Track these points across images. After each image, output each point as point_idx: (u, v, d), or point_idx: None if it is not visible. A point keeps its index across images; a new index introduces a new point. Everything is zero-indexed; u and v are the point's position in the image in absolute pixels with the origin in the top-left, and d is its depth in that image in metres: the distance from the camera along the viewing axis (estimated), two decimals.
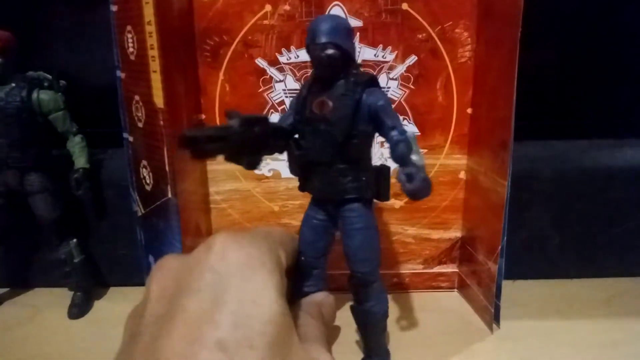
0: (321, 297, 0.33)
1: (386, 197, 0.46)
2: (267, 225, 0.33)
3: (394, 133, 0.42)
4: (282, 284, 0.23)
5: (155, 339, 0.20)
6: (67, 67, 0.69)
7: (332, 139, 0.42)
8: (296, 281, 0.42)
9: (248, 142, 0.35)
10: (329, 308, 0.32)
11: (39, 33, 0.75)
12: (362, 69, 0.45)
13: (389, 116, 0.42)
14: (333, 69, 0.42)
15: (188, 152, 0.29)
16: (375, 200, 0.47)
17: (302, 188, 0.47)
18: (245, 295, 0.21)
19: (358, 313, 0.49)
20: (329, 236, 0.47)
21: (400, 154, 0.41)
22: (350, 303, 0.49)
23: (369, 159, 0.46)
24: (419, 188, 0.40)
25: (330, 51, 0.41)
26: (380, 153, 0.63)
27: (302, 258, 0.45)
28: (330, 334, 0.31)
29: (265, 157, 0.62)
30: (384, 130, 0.43)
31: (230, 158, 0.34)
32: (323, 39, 0.41)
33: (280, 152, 0.45)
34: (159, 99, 0.52)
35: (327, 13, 0.58)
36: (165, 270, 0.24)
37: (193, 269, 0.22)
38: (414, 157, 0.40)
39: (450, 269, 0.69)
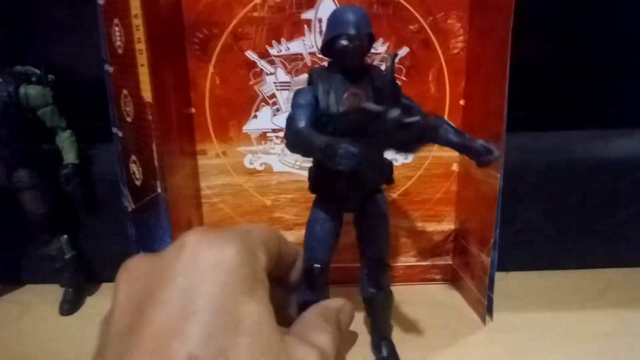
0: (340, 303, 0.30)
1: (392, 182, 0.49)
2: (255, 222, 0.31)
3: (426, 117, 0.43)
4: (261, 286, 0.22)
5: (121, 353, 0.19)
6: (56, 61, 0.68)
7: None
8: (303, 290, 0.42)
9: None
10: (347, 314, 0.30)
11: (26, 26, 0.74)
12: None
13: (413, 102, 0.46)
14: (363, 60, 0.44)
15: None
16: None
17: (320, 187, 0.47)
18: (219, 303, 0.19)
19: (378, 297, 0.51)
20: (338, 235, 0.48)
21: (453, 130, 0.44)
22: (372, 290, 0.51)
23: None
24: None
25: (367, 42, 0.42)
26: None
27: (317, 265, 0.44)
28: (348, 338, 0.30)
29: (258, 151, 0.63)
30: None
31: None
32: (362, 30, 0.41)
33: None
34: (147, 93, 0.51)
35: (317, 6, 0.58)
36: (133, 273, 0.22)
37: (162, 274, 0.20)
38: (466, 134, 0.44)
39: (443, 261, 0.68)
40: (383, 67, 0.43)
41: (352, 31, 0.41)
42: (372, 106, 0.39)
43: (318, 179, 0.46)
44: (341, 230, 0.48)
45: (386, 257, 0.50)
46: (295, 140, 0.42)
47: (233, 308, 0.19)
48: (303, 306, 0.31)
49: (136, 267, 0.22)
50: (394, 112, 0.38)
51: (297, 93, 0.44)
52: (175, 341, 0.18)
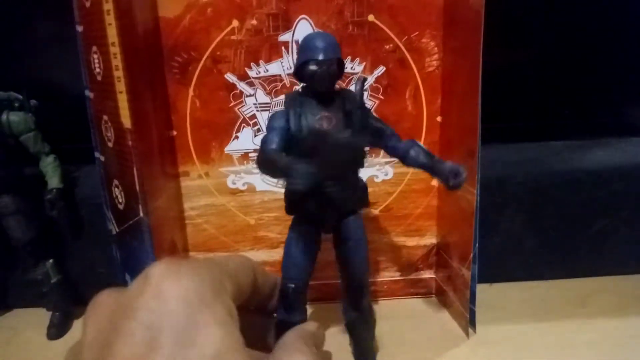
0: (315, 326, 0.30)
1: (367, 206, 0.50)
2: (239, 241, 0.32)
3: (396, 138, 0.46)
4: (229, 317, 0.22)
5: None
6: (40, 81, 0.69)
7: (344, 153, 0.43)
8: (281, 313, 0.42)
9: None
10: (321, 337, 0.30)
11: (11, 49, 0.75)
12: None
13: (384, 124, 0.46)
14: (332, 85, 0.44)
15: None
16: None
17: (294, 209, 0.47)
18: (184, 336, 0.19)
19: (358, 321, 0.51)
20: (315, 257, 0.48)
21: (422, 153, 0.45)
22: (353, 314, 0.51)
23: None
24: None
25: (334, 67, 0.43)
26: None
27: (292, 285, 0.45)
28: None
29: (240, 171, 0.63)
30: (385, 137, 0.46)
31: None
32: (330, 55, 0.43)
33: None
34: (126, 119, 0.52)
35: (293, 28, 0.59)
36: (100, 309, 0.22)
37: (127, 308, 0.20)
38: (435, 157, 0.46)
39: (427, 275, 0.69)
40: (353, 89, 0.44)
41: (320, 56, 0.42)
42: (319, 128, 0.43)
43: (292, 201, 0.47)
44: (319, 250, 0.48)
45: (365, 280, 0.50)
46: (263, 162, 0.42)
47: (197, 340, 0.20)
48: (279, 326, 0.32)
49: (103, 303, 0.22)
50: (344, 133, 0.41)
51: (272, 116, 0.45)
52: None
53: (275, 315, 0.34)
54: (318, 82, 0.44)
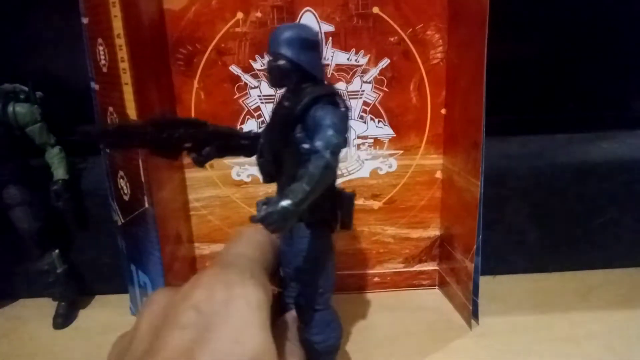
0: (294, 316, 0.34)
1: (346, 227, 0.43)
2: (248, 230, 0.32)
3: (313, 158, 0.36)
4: (267, 319, 0.24)
5: None
6: (46, 71, 0.69)
7: (271, 151, 0.41)
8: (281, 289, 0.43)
9: (163, 141, 0.36)
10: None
11: (16, 41, 0.75)
12: (326, 83, 0.42)
13: (323, 134, 0.36)
14: (281, 81, 0.40)
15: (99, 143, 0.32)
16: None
17: None
18: (228, 334, 0.21)
19: (301, 337, 0.43)
20: None
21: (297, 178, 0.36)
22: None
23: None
24: (262, 217, 0.32)
25: (276, 62, 0.39)
26: (357, 156, 0.64)
27: (280, 268, 0.45)
28: None
29: (244, 163, 0.64)
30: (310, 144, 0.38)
31: (154, 153, 0.36)
32: (274, 49, 0.39)
33: (246, 156, 0.43)
34: (131, 111, 0.52)
35: (298, 20, 0.59)
36: (154, 305, 0.24)
37: (179, 306, 0.23)
38: (296, 185, 0.34)
39: (430, 266, 0.70)
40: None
41: (271, 49, 0.39)
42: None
43: None
44: None
45: (304, 296, 0.43)
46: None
47: (240, 339, 0.22)
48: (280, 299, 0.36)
49: (158, 299, 0.25)
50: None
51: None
52: None
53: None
54: (268, 77, 0.41)
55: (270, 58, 0.39)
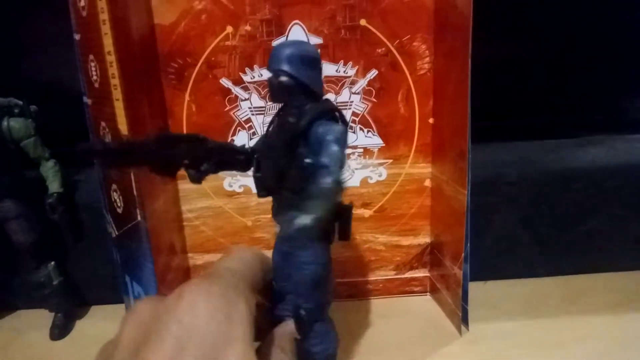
0: (292, 327, 0.33)
1: (344, 238, 0.44)
2: (239, 248, 0.33)
3: (321, 172, 0.39)
4: (249, 333, 0.24)
5: None
6: (40, 84, 0.70)
7: (274, 166, 0.42)
8: (272, 304, 0.43)
9: (164, 159, 0.36)
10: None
11: (11, 54, 0.76)
12: (325, 100, 0.44)
13: (327, 153, 0.39)
14: (283, 98, 0.42)
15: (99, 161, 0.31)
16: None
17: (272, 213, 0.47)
18: (209, 349, 0.22)
19: (299, 349, 0.44)
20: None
21: (311, 195, 0.39)
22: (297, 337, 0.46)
23: None
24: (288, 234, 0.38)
25: (279, 79, 0.40)
26: (347, 165, 0.65)
27: (274, 282, 0.46)
28: None
29: (236, 174, 0.64)
30: (318, 165, 0.40)
31: (154, 170, 0.36)
32: (274, 66, 0.40)
33: (242, 170, 0.44)
34: (123, 126, 0.53)
35: (287, 33, 0.60)
36: (137, 315, 0.24)
37: (161, 318, 0.23)
38: (310, 204, 0.38)
39: (422, 273, 0.70)
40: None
41: (270, 66, 0.41)
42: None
43: None
44: None
45: (306, 309, 0.44)
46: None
47: (221, 353, 0.22)
48: (272, 315, 0.36)
49: (141, 309, 0.25)
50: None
51: None
52: None
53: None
54: (270, 92, 0.42)
55: (272, 74, 0.41)
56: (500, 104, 0.78)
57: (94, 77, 0.56)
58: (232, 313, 0.23)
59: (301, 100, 0.41)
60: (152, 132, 0.57)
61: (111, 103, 0.54)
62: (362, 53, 0.61)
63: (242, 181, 0.65)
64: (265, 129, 0.46)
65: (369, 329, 0.63)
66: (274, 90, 0.41)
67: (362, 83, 0.62)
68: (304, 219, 0.36)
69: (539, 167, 0.70)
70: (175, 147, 0.37)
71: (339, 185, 0.39)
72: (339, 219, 0.44)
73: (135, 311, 0.25)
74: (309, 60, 0.41)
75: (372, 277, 0.70)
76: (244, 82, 0.62)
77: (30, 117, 0.64)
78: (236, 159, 0.43)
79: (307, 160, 0.40)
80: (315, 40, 0.60)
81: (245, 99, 0.62)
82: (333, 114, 0.42)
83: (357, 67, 0.62)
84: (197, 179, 0.40)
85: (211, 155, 0.40)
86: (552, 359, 0.57)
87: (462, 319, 0.61)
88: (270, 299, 0.43)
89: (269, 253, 0.66)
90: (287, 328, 0.33)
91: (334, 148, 0.39)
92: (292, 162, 0.41)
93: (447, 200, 0.61)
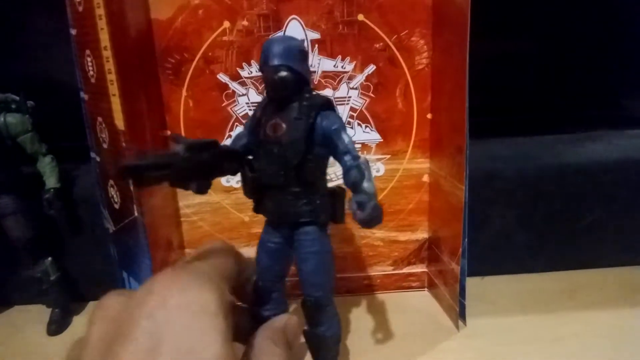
0: (284, 321, 0.32)
1: (341, 220, 0.46)
2: (211, 241, 0.32)
3: (347, 158, 0.42)
4: (226, 325, 0.22)
5: None
6: (37, 80, 0.69)
7: (286, 162, 0.42)
8: (255, 305, 0.43)
9: (195, 168, 0.35)
10: (293, 330, 0.31)
11: (7, 50, 0.75)
12: (315, 92, 0.45)
13: (342, 141, 0.42)
14: (286, 92, 0.42)
15: (131, 181, 0.30)
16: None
17: (256, 210, 0.47)
18: (184, 344, 0.20)
19: (311, 337, 0.48)
20: (285, 260, 0.47)
21: (353, 181, 0.41)
22: (305, 327, 0.48)
23: (324, 181, 0.46)
24: (370, 216, 0.40)
25: (283, 74, 0.41)
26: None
27: (260, 282, 0.46)
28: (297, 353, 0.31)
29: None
30: (337, 155, 0.42)
31: (176, 184, 0.34)
32: (276, 62, 0.41)
33: (233, 174, 0.44)
34: (119, 122, 0.53)
35: (284, 28, 0.59)
36: (106, 311, 0.23)
37: (132, 314, 0.21)
38: (365, 185, 0.41)
39: (419, 269, 0.70)
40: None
41: (269, 62, 0.41)
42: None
43: (254, 201, 0.47)
44: (287, 252, 0.46)
45: (319, 297, 0.46)
46: None
47: (197, 348, 0.21)
48: (253, 315, 0.33)
49: (110, 306, 0.23)
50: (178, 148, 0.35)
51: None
52: None
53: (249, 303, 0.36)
54: (268, 88, 0.43)
55: (270, 70, 0.41)
56: (498, 99, 0.78)
57: (91, 73, 0.55)
58: (206, 304, 0.22)
59: (298, 93, 0.43)
60: (170, 140, 0.55)
61: (108, 98, 0.54)
62: (360, 48, 0.61)
63: (239, 177, 0.65)
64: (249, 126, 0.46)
65: (366, 325, 0.63)
66: (276, 86, 0.42)
67: (360, 78, 0.62)
68: (371, 198, 0.40)
69: (536, 162, 0.70)
70: (203, 153, 0.36)
71: (368, 164, 0.42)
72: (336, 203, 0.45)
73: (103, 307, 0.23)
74: (303, 54, 0.43)
75: (369, 273, 0.70)
76: (242, 78, 0.62)
77: (27, 113, 0.63)
78: (232, 165, 0.43)
79: (322, 152, 0.43)
80: (313, 35, 0.60)
81: (243, 94, 0.62)
82: (330, 104, 0.44)
83: (355, 62, 0.61)
84: (205, 188, 0.40)
85: (222, 160, 0.40)
86: (550, 353, 0.57)
87: (460, 314, 0.61)
88: (251, 299, 0.43)
89: None
90: (278, 322, 0.32)
91: (344, 134, 0.42)
92: (306, 155, 0.42)
93: (445, 196, 0.61)
